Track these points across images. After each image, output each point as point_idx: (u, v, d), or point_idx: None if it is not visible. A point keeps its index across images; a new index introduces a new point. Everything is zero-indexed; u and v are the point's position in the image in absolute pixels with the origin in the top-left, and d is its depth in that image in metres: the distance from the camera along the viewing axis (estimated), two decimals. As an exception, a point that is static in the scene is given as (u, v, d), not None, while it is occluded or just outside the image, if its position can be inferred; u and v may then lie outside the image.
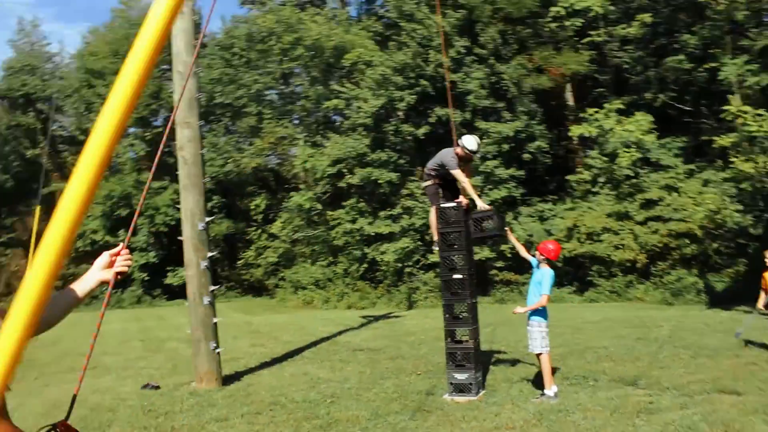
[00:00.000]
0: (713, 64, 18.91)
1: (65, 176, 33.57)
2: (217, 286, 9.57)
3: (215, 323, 8.98)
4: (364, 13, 31.30)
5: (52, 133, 35.21)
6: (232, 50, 29.95)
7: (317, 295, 24.50)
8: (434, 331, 12.19)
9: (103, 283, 2.26)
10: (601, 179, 20.65)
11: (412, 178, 22.71)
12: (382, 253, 22.45)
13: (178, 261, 9.09)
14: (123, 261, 2.29)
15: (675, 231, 17.96)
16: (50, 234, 0.96)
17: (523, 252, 8.03)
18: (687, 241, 17.87)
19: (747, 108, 16.50)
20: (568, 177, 22.09)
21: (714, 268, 17.83)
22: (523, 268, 16.70)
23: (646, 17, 20.80)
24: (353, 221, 23.55)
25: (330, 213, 24.90)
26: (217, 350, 8.90)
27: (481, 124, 21.71)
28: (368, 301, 22.71)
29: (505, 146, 21.38)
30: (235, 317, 20.53)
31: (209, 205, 31.17)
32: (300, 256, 27.32)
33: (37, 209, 11.32)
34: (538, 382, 7.53)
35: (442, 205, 7.98)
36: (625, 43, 22.57)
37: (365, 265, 23.80)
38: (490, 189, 21.31)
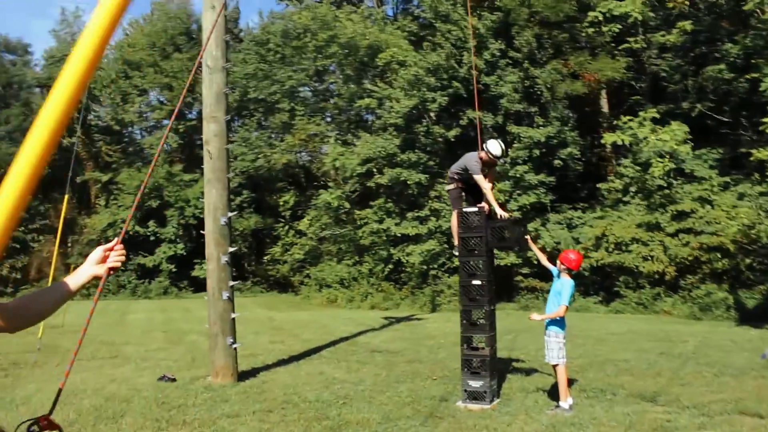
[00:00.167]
0: (755, 75, 18.44)
1: (99, 165, 34.15)
2: (236, 282, 9.59)
3: (233, 318, 9.00)
4: (400, 12, 31.29)
5: (89, 123, 35.85)
6: (268, 46, 30.17)
7: (341, 294, 24.53)
8: (454, 335, 12.01)
9: (96, 278, 2.24)
10: (633, 188, 20.30)
11: (441, 180, 22.57)
12: (408, 254, 22.39)
13: (205, 254, 9.14)
14: (116, 256, 2.27)
15: (706, 244, 17.56)
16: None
17: (544, 261, 7.91)
18: (718, 255, 17.45)
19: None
20: (599, 185, 21.77)
21: (745, 284, 17.38)
22: (549, 275, 16.46)
23: (687, 25, 20.37)
24: (380, 221, 23.52)
25: (358, 212, 24.91)
26: (234, 345, 8.91)
27: (513, 129, 21.50)
28: (392, 302, 22.66)
29: (536, 152, 21.12)
30: (259, 313, 20.65)
31: (239, 199, 31.89)
32: (326, 254, 27.39)
33: (66, 198, 11.41)
34: (554, 393, 7.39)
35: (464, 210, 7.89)
36: (663, 50, 22.15)
37: (390, 266, 23.77)
38: (519, 194, 21.11)
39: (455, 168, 8.47)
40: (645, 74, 23.06)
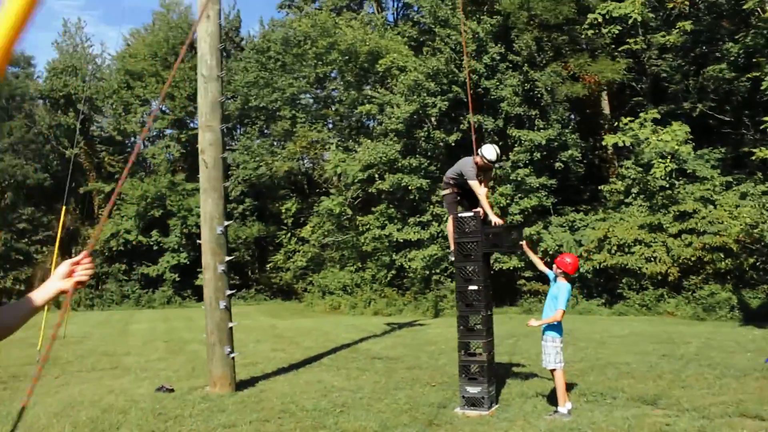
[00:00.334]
0: (756, 74, 18.35)
1: (102, 176, 34.22)
2: (235, 291, 9.56)
3: (231, 328, 8.97)
4: (401, 18, 31.31)
5: (91, 134, 35.98)
6: (268, 54, 30.22)
7: (345, 301, 24.49)
8: (456, 341, 11.94)
9: (63, 293, 2.20)
10: (635, 190, 20.21)
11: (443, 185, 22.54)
12: (410, 260, 22.35)
13: (201, 263, 9.13)
14: (83, 270, 2.23)
15: (709, 244, 17.46)
16: None
17: (540, 265, 7.85)
18: (722, 255, 17.35)
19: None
20: (601, 187, 21.69)
21: (749, 284, 17.27)
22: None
23: (687, 25, 20.32)
24: (382, 227, 23.48)
25: (360, 218, 24.89)
26: (232, 355, 8.87)
27: (514, 132, 21.44)
28: (395, 308, 22.60)
29: (537, 155, 21.06)
30: (262, 321, 20.63)
31: (241, 207, 31.87)
32: (329, 260, 27.37)
33: (63, 209, 11.40)
34: (553, 398, 7.32)
35: (459, 215, 7.85)
36: (664, 51, 22.09)
37: (393, 272, 23.73)
38: (521, 198, 21.04)
39: (450, 173, 8.45)
40: (646, 75, 23.00)
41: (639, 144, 19.71)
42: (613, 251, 18.98)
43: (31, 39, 61.29)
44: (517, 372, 9.43)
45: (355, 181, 24.39)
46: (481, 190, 7.93)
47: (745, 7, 18.30)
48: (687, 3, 21.19)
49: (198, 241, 9.45)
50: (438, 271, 22.06)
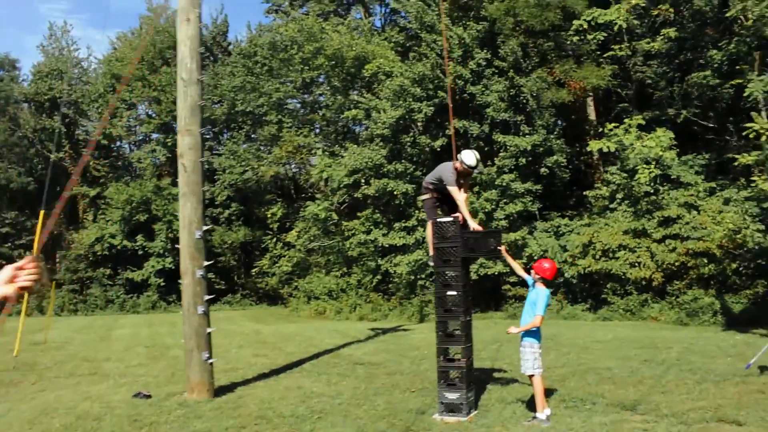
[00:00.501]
0: (739, 81, 18.46)
1: (87, 180, 33.94)
2: (212, 296, 9.46)
3: (209, 333, 8.88)
4: (388, 24, 31.31)
5: (77, 137, 35.69)
6: (255, 59, 30.13)
7: (330, 306, 24.38)
8: (438, 346, 11.97)
9: (5, 299, 2.11)
10: (620, 195, 20.26)
11: (422, 189, 22.50)
12: (396, 265, 22.28)
13: (180, 268, 9.03)
14: (26, 275, 2.15)
15: (693, 250, 17.52)
16: None
17: (519, 271, 7.83)
18: (705, 260, 17.41)
19: (771, 125, 16.05)
20: (586, 192, 21.75)
21: (732, 289, 17.34)
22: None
23: (672, 32, 20.45)
24: (368, 232, 23.42)
25: (345, 223, 24.82)
26: (210, 361, 8.79)
27: (499, 137, 21.46)
28: (380, 313, 22.53)
29: (523, 160, 21.09)
30: (246, 326, 20.50)
31: (227, 212, 31.67)
32: (314, 265, 27.27)
33: (41, 214, 11.26)
34: (532, 404, 7.27)
35: (439, 220, 7.82)
36: (648, 57, 22.21)
37: (378, 277, 23.66)
38: (506, 203, 21.04)
39: (430, 178, 8.43)
40: (631, 81, 23.09)
41: (624, 150, 19.78)
42: (597, 256, 19.01)
43: (16, 42, 60.93)
44: (498, 377, 9.39)
45: (341, 186, 24.32)
46: (460, 196, 7.91)
47: (728, 15, 18.42)
48: (671, 10, 21.33)
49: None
50: (423, 276, 22.00)
